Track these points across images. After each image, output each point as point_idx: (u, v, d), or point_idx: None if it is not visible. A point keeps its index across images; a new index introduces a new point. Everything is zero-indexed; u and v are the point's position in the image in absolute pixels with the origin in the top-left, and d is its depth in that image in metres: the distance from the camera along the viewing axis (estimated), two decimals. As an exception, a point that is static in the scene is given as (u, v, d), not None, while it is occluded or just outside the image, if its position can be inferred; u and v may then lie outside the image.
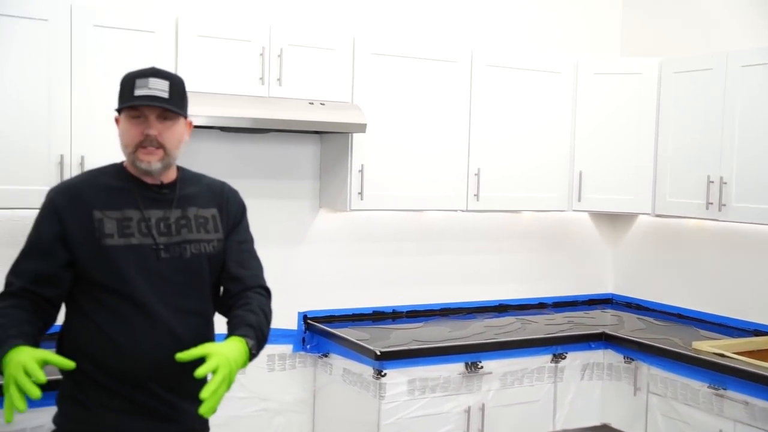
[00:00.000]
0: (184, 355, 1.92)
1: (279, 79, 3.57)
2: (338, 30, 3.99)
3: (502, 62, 4.10)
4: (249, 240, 2.32)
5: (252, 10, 3.85)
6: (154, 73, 2.07)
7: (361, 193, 3.76)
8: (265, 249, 3.92)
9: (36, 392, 1.78)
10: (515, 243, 4.61)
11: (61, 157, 3.17)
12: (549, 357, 3.89)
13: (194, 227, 2.16)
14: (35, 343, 1.95)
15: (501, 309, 4.55)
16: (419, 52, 3.90)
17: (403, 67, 3.85)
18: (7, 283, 2.08)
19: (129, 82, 2.06)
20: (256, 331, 2.07)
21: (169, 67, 3.31)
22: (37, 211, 2.13)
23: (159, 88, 2.04)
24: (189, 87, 3.28)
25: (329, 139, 3.96)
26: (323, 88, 3.67)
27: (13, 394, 1.78)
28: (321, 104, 3.61)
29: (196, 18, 3.48)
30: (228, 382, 1.88)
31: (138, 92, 2.03)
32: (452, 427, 3.62)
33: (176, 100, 2.08)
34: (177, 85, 2.10)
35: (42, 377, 1.80)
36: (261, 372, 3.97)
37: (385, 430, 3.49)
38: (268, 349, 3.97)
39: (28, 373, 1.79)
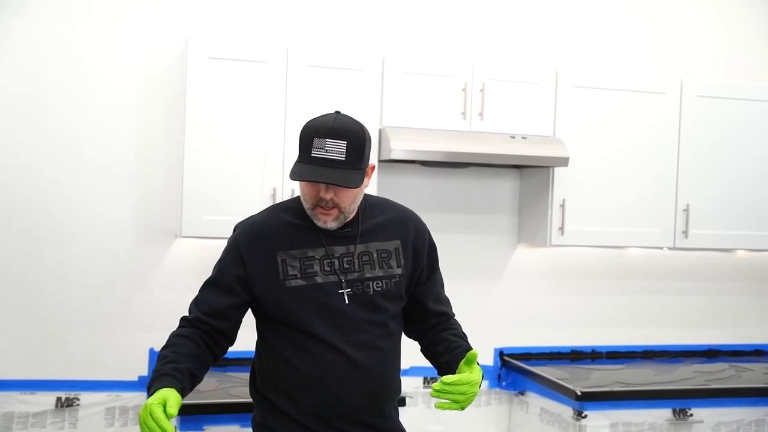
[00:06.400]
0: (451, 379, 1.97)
1: (481, 114, 3.59)
2: (540, 64, 3.96)
3: (713, 93, 3.89)
4: (440, 275, 2.33)
5: (455, 47, 3.91)
6: (332, 132, 1.98)
7: (561, 228, 3.69)
8: (462, 283, 3.96)
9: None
10: (727, 284, 4.32)
11: (274, 189, 3.36)
12: (769, 409, 3.59)
13: (377, 263, 2.14)
14: (186, 379, 1.99)
15: (711, 354, 4.27)
16: (624, 84, 3.79)
17: (607, 100, 3.76)
18: (189, 309, 2.18)
19: (307, 139, 2.00)
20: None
21: (374, 103, 3.45)
22: (225, 247, 2.19)
23: (335, 150, 1.97)
24: (393, 122, 3.48)
25: (529, 174, 3.92)
26: (525, 122, 3.65)
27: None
28: (522, 138, 3.59)
29: (401, 55, 3.59)
30: (460, 407, 2.03)
31: (314, 153, 1.98)
32: (658, 478, 3.44)
33: (352, 160, 1.99)
34: (355, 142, 1.99)
35: (166, 426, 1.81)
36: (456, 406, 3.95)
37: (585, 475, 3.36)
38: (464, 383, 3.95)
39: (153, 416, 1.82)
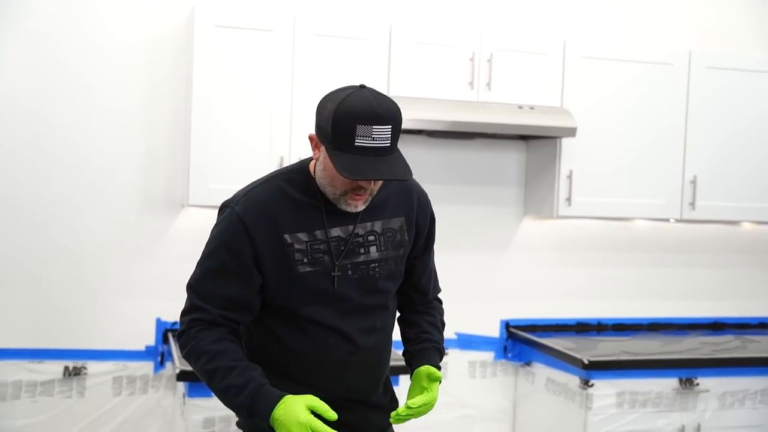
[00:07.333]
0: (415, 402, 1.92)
1: (488, 84, 3.57)
2: (548, 34, 3.94)
3: (721, 64, 3.86)
4: (433, 251, 2.21)
5: (463, 17, 3.88)
6: (378, 118, 1.76)
7: (569, 199, 3.68)
8: (468, 255, 3.95)
9: None
10: (733, 257, 4.32)
11: (281, 158, 3.35)
12: (775, 379, 3.61)
13: (382, 244, 2.00)
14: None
15: (716, 327, 4.27)
16: (632, 54, 3.77)
17: (615, 71, 3.74)
18: (197, 307, 1.91)
19: (349, 126, 1.76)
20: (441, 355, 2.11)
21: (381, 73, 3.44)
22: (218, 226, 1.95)
23: (381, 137, 1.77)
24: (400, 92, 3.47)
25: (536, 145, 3.91)
26: (532, 93, 3.64)
27: None
28: (530, 108, 3.57)
29: (409, 25, 3.57)
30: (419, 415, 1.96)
31: (359, 141, 1.76)
32: (664, 446, 3.45)
33: (395, 143, 1.81)
34: (397, 124, 1.80)
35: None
36: (462, 378, 3.96)
37: (591, 444, 3.37)
38: (470, 355, 3.97)
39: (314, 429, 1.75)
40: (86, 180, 3.48)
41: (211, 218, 3.56)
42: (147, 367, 3.56)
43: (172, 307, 3.55)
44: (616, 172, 3.76)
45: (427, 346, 2.09)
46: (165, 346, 3.54)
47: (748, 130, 3.92)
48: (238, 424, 2.09)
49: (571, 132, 3.55)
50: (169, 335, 3.53)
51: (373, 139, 1.76)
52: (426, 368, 2.00)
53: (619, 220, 4.07)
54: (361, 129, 1.75)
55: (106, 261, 3.52)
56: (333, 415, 1.79)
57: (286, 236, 1.90)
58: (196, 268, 1.95)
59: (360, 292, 1.97)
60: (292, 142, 3.36)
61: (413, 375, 2.04)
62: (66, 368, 3.47)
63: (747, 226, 4.30)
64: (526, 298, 4.06)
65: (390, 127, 1.78)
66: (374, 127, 1.76)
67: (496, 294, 4.01)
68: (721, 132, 3.88)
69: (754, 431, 3.55)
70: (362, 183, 1.83)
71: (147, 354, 3.56)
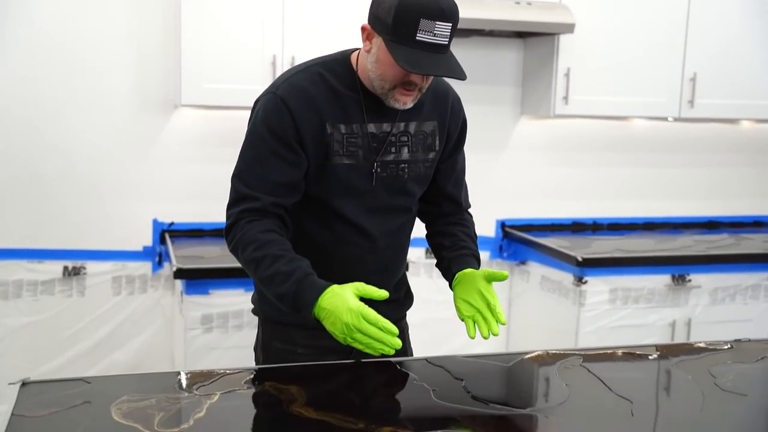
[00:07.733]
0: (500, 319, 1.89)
1: (485, -22, 3.48)
2: (547, -74, 3.81)
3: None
4: (464, 157, 2.18)
5: None
6: (441, 14, 1.74)
7: (566, 98, 3.64)
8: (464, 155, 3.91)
9: (396, 342, 1.69)
10: (730, 156, 4.31)
11: (274, 57, 3.29)
12: (767, 275, 3.64)
13: (413, 145, 1.98)
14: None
15: (711, 226, 4.30)
16: (634, -53, 3.66)
17: (616, -36, 3.64)
18: (245, 196, 1.88)
19: (412, 19, 1.74)
20: (479, 264, 2.06)
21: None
22: (259, 112, 1.90)
23: (442, 34, 1.75)
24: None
25: (533, 43, 3.83)
26: (530, -13, 3.55)
27: (378, 347, 1.70)
28: (527, 4, 3.49)
29: None
30: None
31: (420, 36, 1.74)
32: (655, 340, 3.50)
33: (450, 42, 1.79)
34: (456, 24, 1.79)
35: (386, 324, 1.69)
36: (458, 277, 4.00)
37: (583, 338, 3.43)
38: (465, 254, 4.00)
39: (367, 319, 1.69)
40: (77, 81, 3.43)
41: (204, 118, 3.56)
42: (145, 267, 3.60)
43: (168, 208, 3.60)
44: (614, 69, 3.70)
45: (465, 252, 2.07)
46: (162, 247, 3.57)
47: (751, 26, 3.84)
48: (254, 311, 2.12)
49: (569, 28, 3.48)
50: (166, 235, 3.56)
51: (434, 36, 1.75)
52: (482, 271, 1.97)
53: (616, 119, 4.04)
54: (424, 23, 1.73)
55: (101, 161, 3.50)
56: (383, 293, 1.76)
57: (328, 125, 1.89)
58: (238, 159, 1.91)
59: (387, 192, 1.98)
60: (284, 39, 3.30)
61: (458, 279, 1.99)
62: (65, 268, 3.51)
63: (745, 124, 4.27)
64: (522, 198, 4.07)
65: (451, 25, 1.76)
66: (437, 23, 1.74)
67: (492, 194, 4.01)
68: (722, 27, 3.80)
69: (743, 325, 3.62)
70: (415, 78, 1.82)
71: (144, 254, 3.59)
